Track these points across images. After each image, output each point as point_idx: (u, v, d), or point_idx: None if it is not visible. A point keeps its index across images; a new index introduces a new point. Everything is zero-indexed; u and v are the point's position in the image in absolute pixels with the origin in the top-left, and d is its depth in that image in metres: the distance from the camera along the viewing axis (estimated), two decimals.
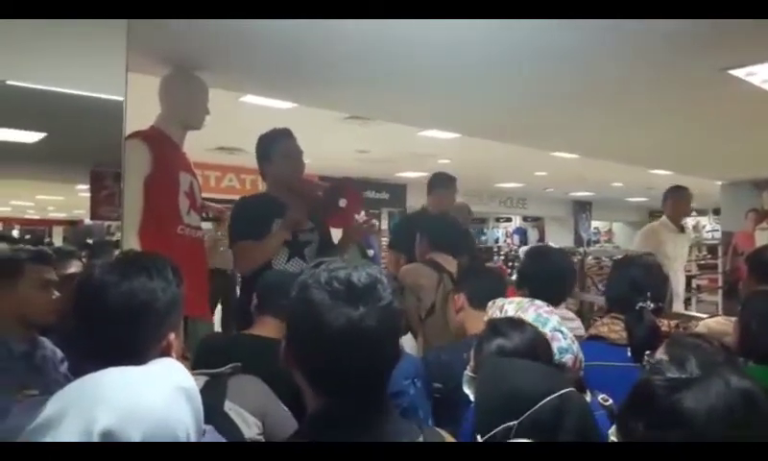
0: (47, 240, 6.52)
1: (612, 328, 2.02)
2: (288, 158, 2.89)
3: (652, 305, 1.96)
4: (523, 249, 7.73)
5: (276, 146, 2.89)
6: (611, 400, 1.57)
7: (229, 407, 1.58)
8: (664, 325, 2.09)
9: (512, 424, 1.12)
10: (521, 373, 1.24)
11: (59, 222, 6.82)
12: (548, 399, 1.14)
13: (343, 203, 2.96)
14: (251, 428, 1.61)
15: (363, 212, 3.11)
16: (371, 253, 5.02)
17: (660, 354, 1.56)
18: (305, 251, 2.86)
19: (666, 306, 2.17)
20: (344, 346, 0.95)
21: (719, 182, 8.97)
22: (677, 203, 4.74)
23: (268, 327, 2.04)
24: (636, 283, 2.04)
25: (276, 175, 2.92)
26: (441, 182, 4.14)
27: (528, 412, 1.12)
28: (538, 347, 1.40)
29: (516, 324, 1.45)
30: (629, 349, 1.94)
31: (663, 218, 4.83)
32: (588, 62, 3.11)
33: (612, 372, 1.85)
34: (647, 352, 1.84)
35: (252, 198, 3.16)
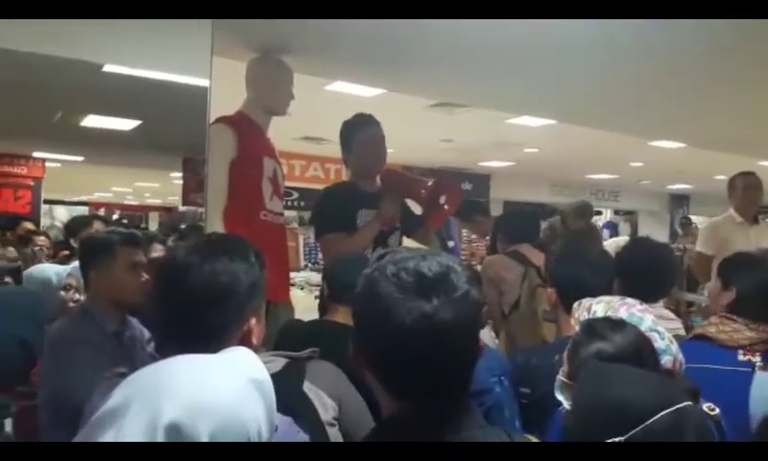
0: (143, 226, 6.86)
1: (722, 329, 1.85)
2: (369, 147, 2.79)
3: None
4: (608, 242, 7.31)
5: (358, 134, 2.79)
6: (717, 410, 1.41)
7: (308, 388, 1.57)
8: None
9: (617, 440, 1.00)
10: (629, 382, 1.10)
11: (155, 208, 7.16)
12: (661, 413, 1.00)
13: (443, 200, 2.82)
14: (327, 411, 1.60)
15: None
16: (451, 244, 4.90)
17: None
18: (390, 240, 2.79)
19: None
20: (418, 343, 0.87)
21: None
22: (745, 190, 4.03)
23: (340, 315, 2.03)
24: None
25: (356, 163, 2.84)
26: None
27: (637, 428, 0.99)
28: (642, 350, 1.26)
29: (617, 324, 1.32)
30: (739, 351, 1.77)
31: (730, 211, 4.11)
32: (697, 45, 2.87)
33: (716, 375, 1.69)
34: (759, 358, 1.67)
35: (337, 188, 3.06)
